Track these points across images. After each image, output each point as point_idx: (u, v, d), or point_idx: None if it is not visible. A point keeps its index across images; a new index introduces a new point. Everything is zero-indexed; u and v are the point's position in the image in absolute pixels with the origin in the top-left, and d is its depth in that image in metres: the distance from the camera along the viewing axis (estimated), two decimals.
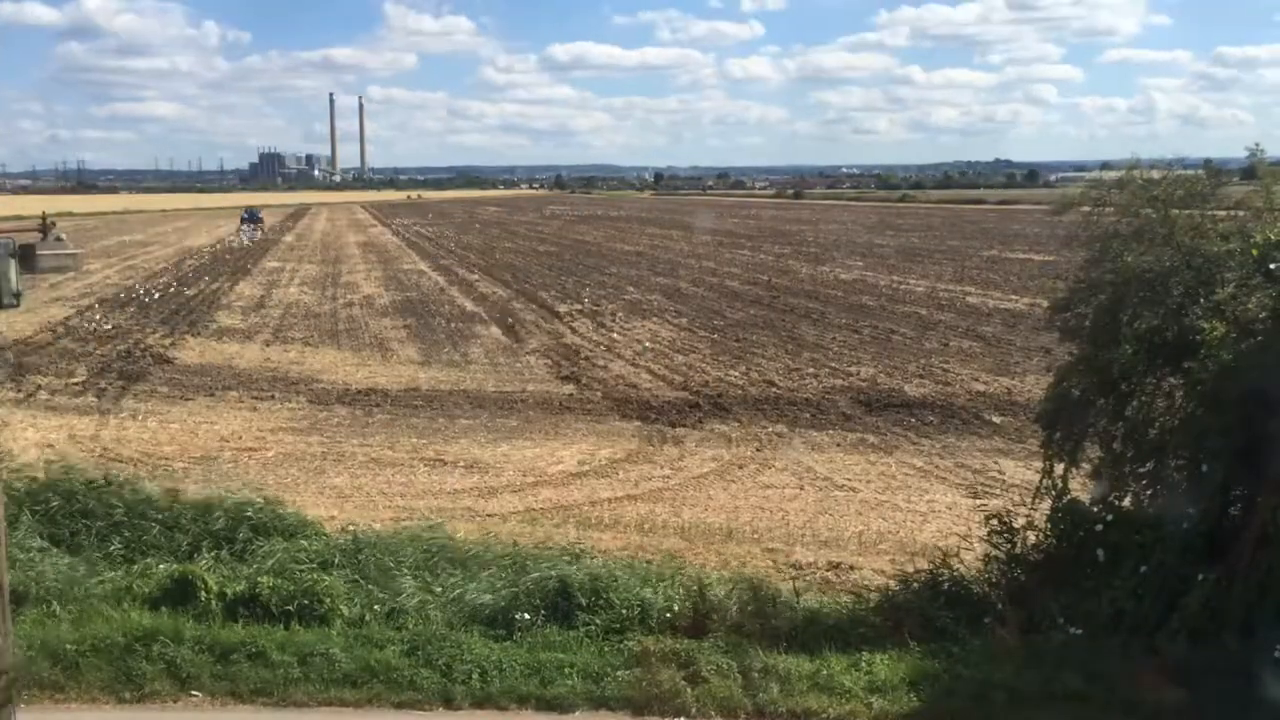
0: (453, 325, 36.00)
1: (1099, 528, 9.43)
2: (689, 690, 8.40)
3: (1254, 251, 9.11)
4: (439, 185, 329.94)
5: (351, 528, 12.32)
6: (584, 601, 9.48)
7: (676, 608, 9.42)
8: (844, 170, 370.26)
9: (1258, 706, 7.82)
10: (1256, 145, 10.06)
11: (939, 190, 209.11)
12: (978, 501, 15.07)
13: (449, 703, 8.42)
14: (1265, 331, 8.66)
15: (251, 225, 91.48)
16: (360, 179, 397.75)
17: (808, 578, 11.74)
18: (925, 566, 10.55)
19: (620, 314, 38.18)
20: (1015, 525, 10.12)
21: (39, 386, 24.10)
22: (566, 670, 8.64)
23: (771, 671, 8.58)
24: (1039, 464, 10.57)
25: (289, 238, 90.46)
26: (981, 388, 24.23)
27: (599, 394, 23.83)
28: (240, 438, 19.50)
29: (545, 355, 29.60)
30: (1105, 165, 11.78)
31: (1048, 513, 9.99)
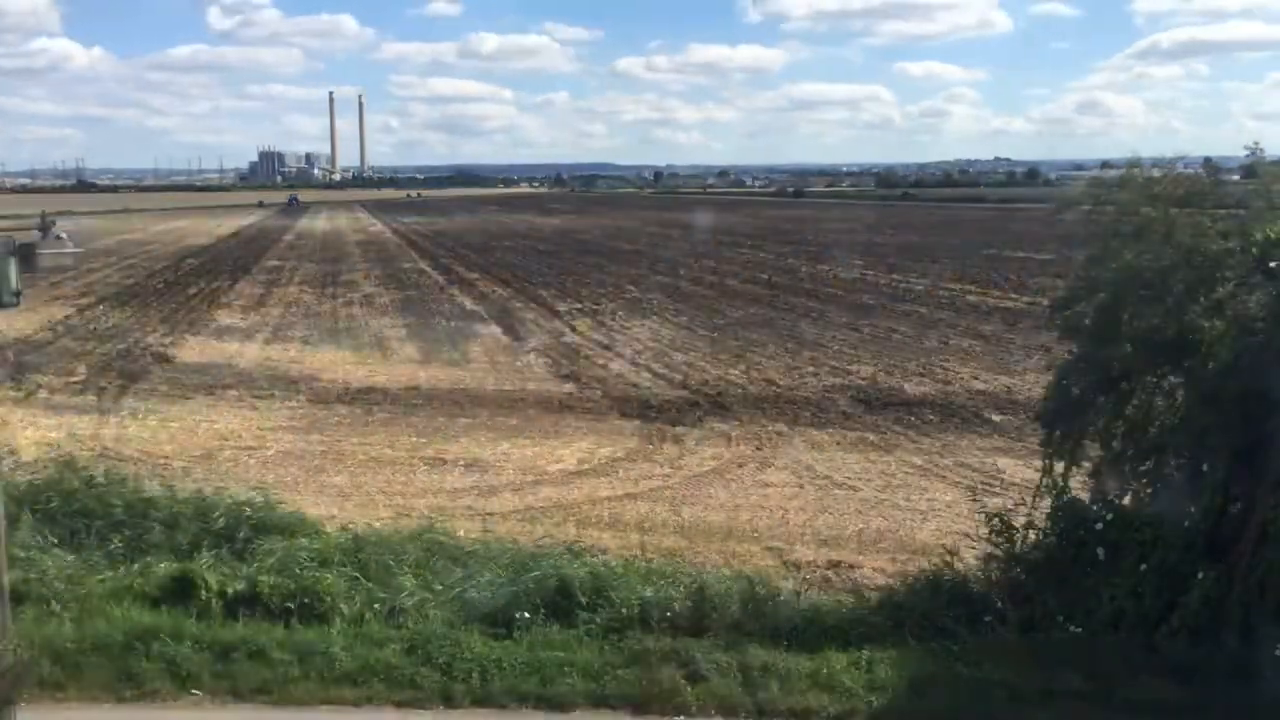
0: (452, 324, 36.01)
1: (1099, 526, 9.44)
2: (689, 688, 8.40)
3: (1254, 250, 9.12)
4: (439, 184, 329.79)
5: (351, 526, 12.32)
6: (584, 600, 9.49)
7: (676, 606, 9.42)
8: (844, 169, 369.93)
9: (1258, 705, 7.82)
10: (1256, 144, 10.07)
11: (939, 189, 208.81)
12: (977, 500, 15.08)
13: (449, 701, 8.42)
14: (1265, 330, 8.66)
15: (293, 203, 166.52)
16: (360, 178, 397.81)
17: (808, 576, 11.75)
18: (925, 565, 10.55)
19: (620, 312, 38.18)
20: (1015, 524, 10.13)
21: (39, 385, 24.10)
22: (566, 669, 8.64)
23: (771, 670, 8.59)
24: (1039, 462, 10.58)
25: (289, 236, 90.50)
26: (981, 386, 24.23)
27: (599, 393, 23.83)
28: (240, 436, 19.50)
29: (545, 354, 29.60)
30: (1105, 164, 11.78)
31: (1048, 511, 9.99)
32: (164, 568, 10.07)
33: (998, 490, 15.57)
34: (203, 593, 9.54)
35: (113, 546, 10.72)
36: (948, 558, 10.52)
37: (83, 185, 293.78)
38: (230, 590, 9.60)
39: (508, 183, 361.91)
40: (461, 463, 17.66)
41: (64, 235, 60.41)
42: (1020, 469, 16.28)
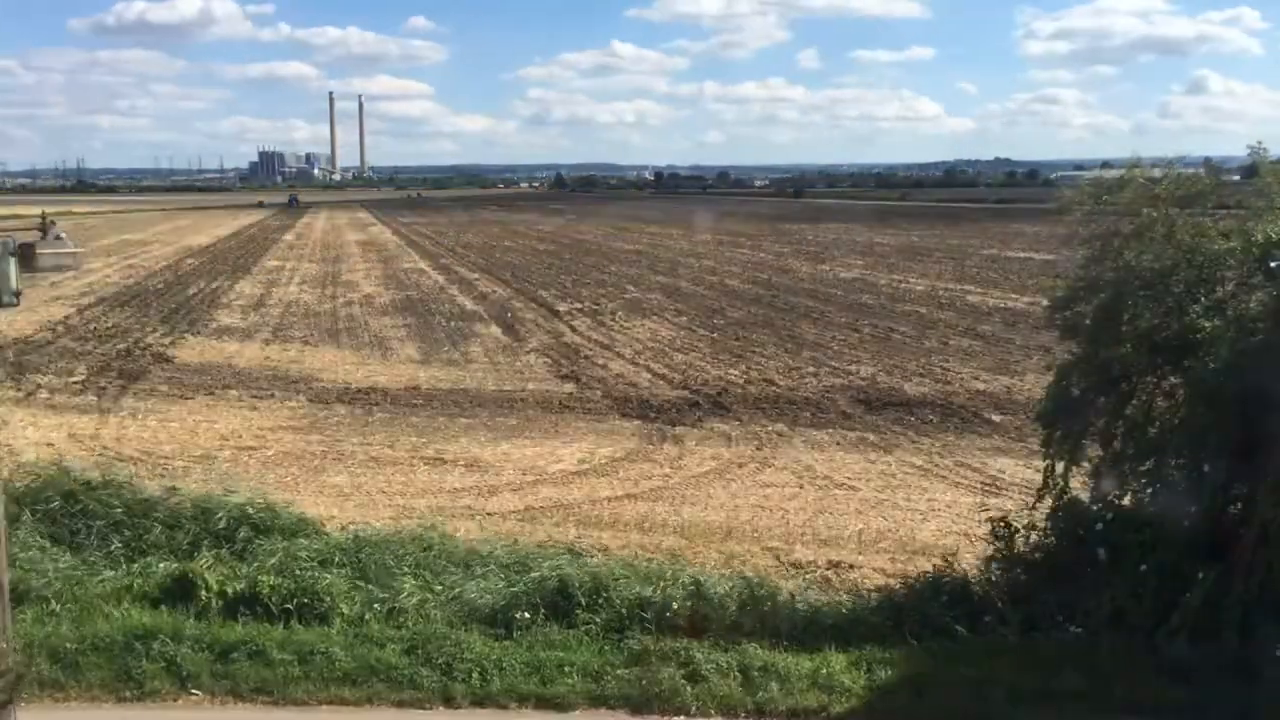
0: (452, 324, 35.98)
1: (1099, 526, 9.45)
2: (689, 689, 8.41)
3: (1254, 250, 9.12)
4: (439, 184, 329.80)
5: (351, 526, 12.32)
6: (584, 600, 9.49)
7: (676, 606, 9.42)
8: (844, 169, 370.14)
9: (1258, 705, 7.82)
10: (1258, 143, 10.07)
11: (939, 189, 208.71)
12: (977, 500, 15.07)
13: (449, 701, 8.43)
14: (1265, 330, 8.67)
15: (293, 203, 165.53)
16: (360, 178, 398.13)
17: (807, 576, 11.74)
18: (925, 565, 10.55)
19: (620, 312, 38.18)
20: (1015, 524, 10.13)
21: (39, 385, 24.08)
22: (566, 669, 8.65)
23: (771, 670, 8.59)
24: (1039, 463, 10.58)
25: (289, 236, 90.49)
26: (981, 386, 24.23)
27: (599, 393, 23.82)
28: (240, 436, 19.49)
29: (545, 354, 29.59)
30: (1105, 164, 11.81)
31: (1048, 511, 10.00)
32: (164, 568, 10.08)
33: (998, 490, 15.57)
34: (203, 593, 9.55)
35: (113, 547, 10.74)
36: (948, 558, 10.53)
37: (83, 185, 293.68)
38: (230, 590, 9.61)
39: (508, 183, 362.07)
40: (461, 463, 17.64)
41: (64, 235, 60.75)
42: (1020, 469, 16.28)
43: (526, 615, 9.34)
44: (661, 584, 9.79)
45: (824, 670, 8.59)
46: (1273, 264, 8.95)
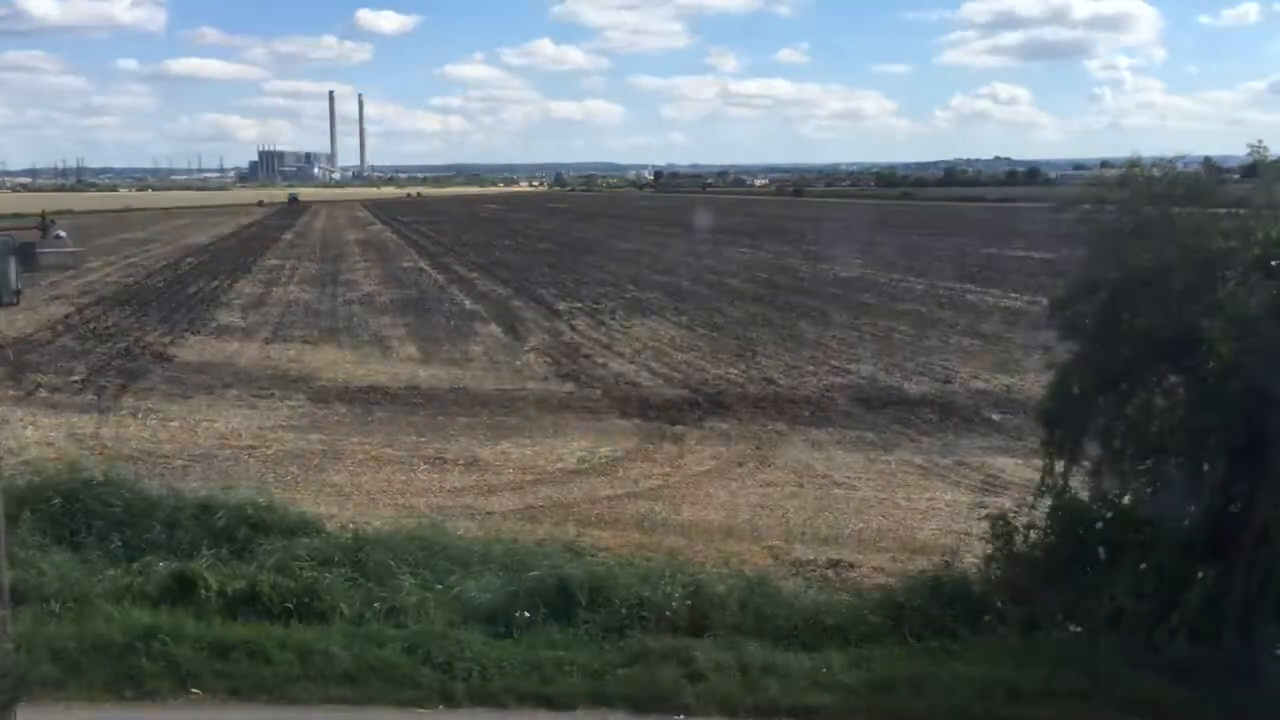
0: (452, 323, 35.98)
1: (1099, 525, 9.44)
2: (689, 688, 8.40)
3: (1255, 249, 9.10)
4: (439, 183, 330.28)
5: (351, 525, 12.32)
6: (584, 599, 9.49)
7: (676, 605, 9.42)
8: (844, 168, 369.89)
9: (1257, 705, 7.82)
10: (1259, 142, 10.05)
11: (939, 187, 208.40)
12: (977, 499, 15.08)
13: (449, 700, 8.42)
14: (1266, 329, 8.65)
15: (293, 202, 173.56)
16: (360, 177, 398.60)
17: (807, 575, 11.76)
18: (925, 565, 10.55)
19: (620, 312, 38.16)
20: (1015, 523, 10.13)
21: (39, 384, 24.09)
22: (566, 668, 8.64)
23: (771, 669, 8.59)
24: (1039, 462, 10.56)
25: (288, 235, 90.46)
26: (981, 385, 24.23)
27: (599, 392, 23.82)
28: (240, 435, 19.49)
29: (545, 353, 29.59)
30: (1105, 163, 11.81)
31: (1048, 510, 9.99)
32: (164, 567, 10.07)
33: (998, 489, 15.57)
34: (202, 592, 9.54)
35: (113, 546, 10.72)
36: (948, 557, 10.53)
37: (82, 185, 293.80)
38: (230, 589, 9.60)
39: (508, 182, 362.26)
40: (461, 462, 17.65)
41: (64, 235, 60.78)
42: (1020, 468, 16.27)
43: (526, 614, 9.34)
44: (661, 583, 9.79)
45: (824, 669, 8.58)
46: (1273, 263, 8.94)
